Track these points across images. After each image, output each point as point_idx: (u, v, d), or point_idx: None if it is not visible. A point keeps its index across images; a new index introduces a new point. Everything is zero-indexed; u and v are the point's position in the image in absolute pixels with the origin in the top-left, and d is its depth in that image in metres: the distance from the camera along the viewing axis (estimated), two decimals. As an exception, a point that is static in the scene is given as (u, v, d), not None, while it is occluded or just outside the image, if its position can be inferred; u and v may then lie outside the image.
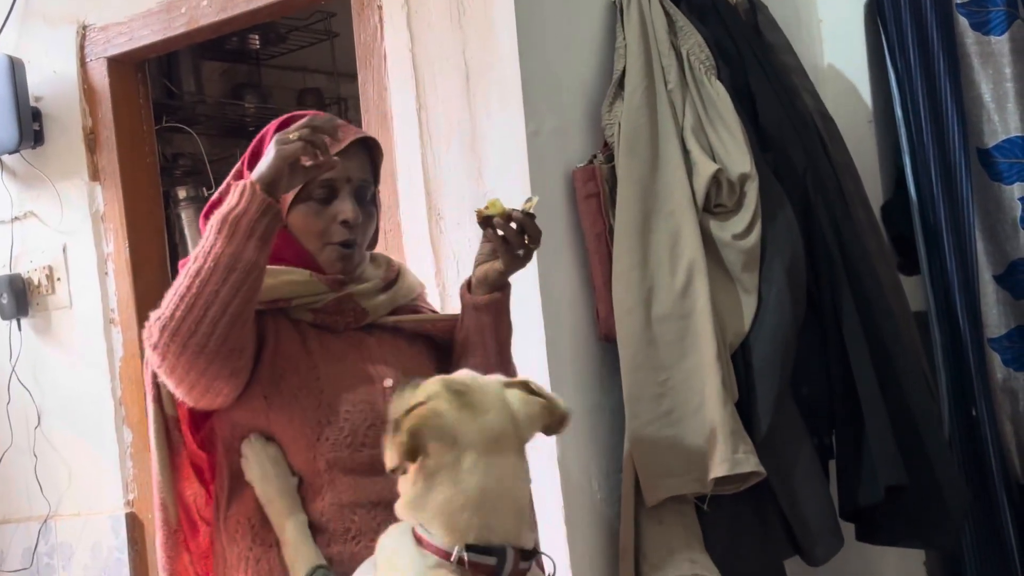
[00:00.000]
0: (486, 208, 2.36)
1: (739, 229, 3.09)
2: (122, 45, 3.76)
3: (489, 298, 2.44)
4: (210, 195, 2.52)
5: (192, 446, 2.40)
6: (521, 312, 2.97)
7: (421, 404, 2.03)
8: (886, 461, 3.16)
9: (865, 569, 3.70)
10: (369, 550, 2.25)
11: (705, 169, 3.07)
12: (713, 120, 3.14)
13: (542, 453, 2.95)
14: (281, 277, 2.36)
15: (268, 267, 2.29)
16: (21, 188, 3.96)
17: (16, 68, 3.83)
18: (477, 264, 2.44)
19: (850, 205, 3.39)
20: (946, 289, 3.63)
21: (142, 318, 3.63)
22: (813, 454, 3.18)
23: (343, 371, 2.36)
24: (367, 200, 2.42)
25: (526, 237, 2.37)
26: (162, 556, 2.42)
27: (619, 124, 3.09)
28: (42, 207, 3.92)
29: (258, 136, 2.42)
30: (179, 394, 2.30)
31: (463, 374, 2.14)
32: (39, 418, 3.89)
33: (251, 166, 2.36)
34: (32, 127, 3.86)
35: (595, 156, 3.11)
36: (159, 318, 2.24)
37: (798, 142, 3.30)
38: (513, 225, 2.36)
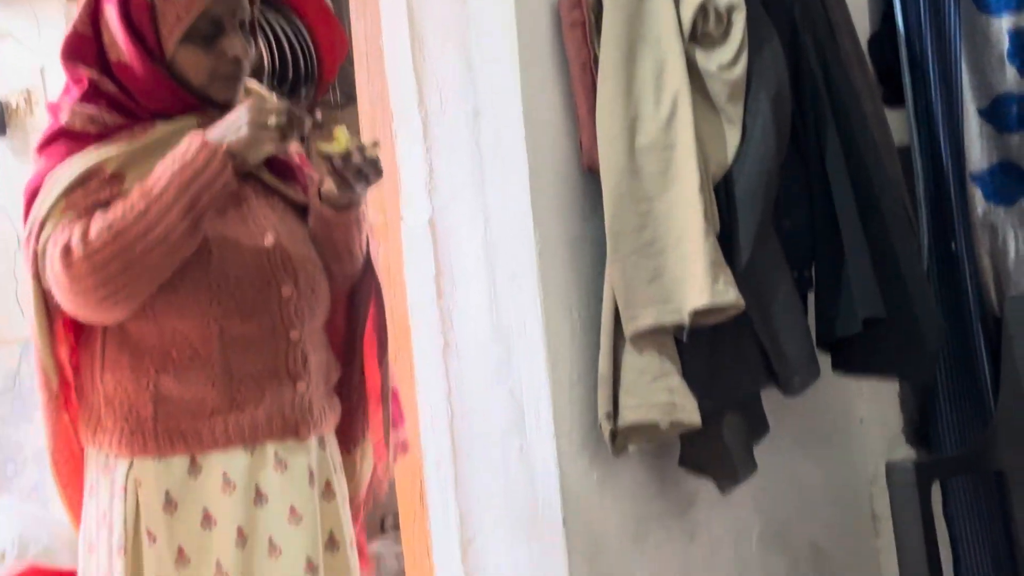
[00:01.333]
0: (329, 145, 2.36)
1: (725, 59, 3.06)
2: None
3: (332, 214, 2.43)
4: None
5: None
6: (505, 142, 2.97)
7: None
8: (864, 293, 3.19)
9: (840, 399, 3.76)
10: (252, 419, 2.29)
11: (692, -3, 3.03)
12: (701, -53, 3.09)
13: (524, 282, 2.97)
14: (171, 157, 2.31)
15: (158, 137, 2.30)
16: (-4, 8, 3.90)
17: None
18: (322, 181, 2.44)
19: (837, 36, 3.35)
20: (930, 122, 3.61)
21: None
22: (792, 286, 3.21)
23: (226, 228, 2.33)
24: (247, 33, 2.40)
25: (366, 175, 2.38)
26: (44, 417, 2.42)
27: (606, -50, 3.04)
28: (19, 28, 3.86)
29: None
30: (66, 307, 2.28)
31: None
32: (18, 241, 3.88)
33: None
34: (6, -55, 3.79)
35: (581, -17, 3.07)
36: (87, 247, 2.21)
37: (786, -29, 3.25)
38: (355, 161, 2.35)
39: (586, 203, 3.06)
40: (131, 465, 2.31)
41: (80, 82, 2.36)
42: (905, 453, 3.71)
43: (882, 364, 3.36)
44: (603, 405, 2.96)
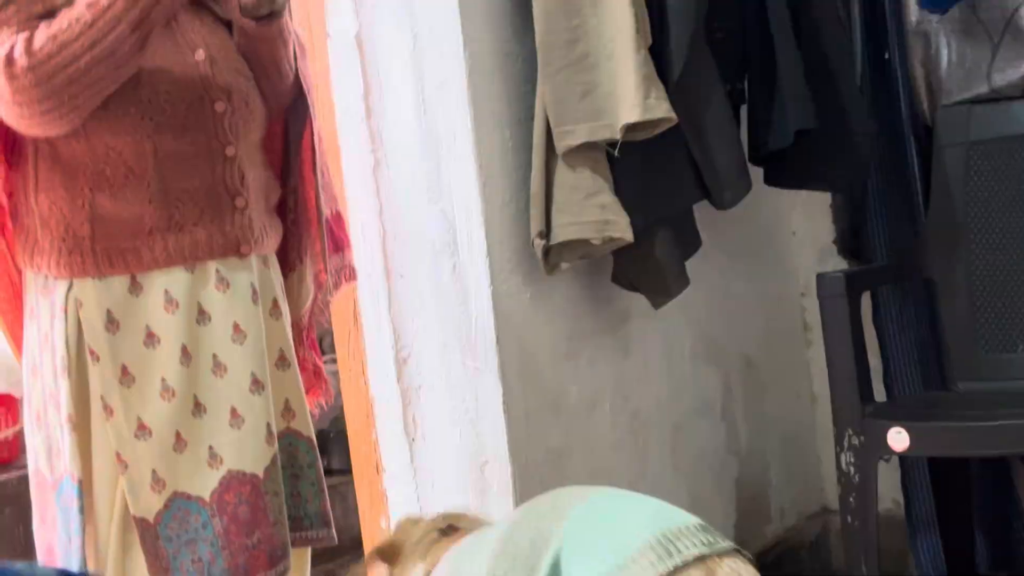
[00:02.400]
0: None
1: None
2: None
3: (252, 26, 2.36)
4: None
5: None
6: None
7: None
8: (797, 104, 3.18)
9: (772, 213, 3.77)
10: (192, 236, 2.27)
11: None
12: None
13: (454, 99, 2.93)
14: None
15: None
16: None
17: None
18: None
19: None
20: (865, -71, 3.57)
21: None
22: (724, 99, 3.18)
23: (158, 43, 2.27)
24: None
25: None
26: None
27: None
28: None
29: None
30: (8, 119, 2.22)
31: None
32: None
33: None
34: None
35: None
36: (31, 58, 2.14)
37: None
38: None
39: (517, 18, 3.00)
40: (71, 286, 2.28)
41: None
42: (836, 265, 3.75)
43: (814, 176, 3.37)
44: (535, 223, 2.95)
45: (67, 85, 2.16)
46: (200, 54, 2.31)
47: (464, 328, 2.96)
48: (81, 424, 2.29)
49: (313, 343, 2.65)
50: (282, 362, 2.43)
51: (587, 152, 2.94)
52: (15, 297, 2.40)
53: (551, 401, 3.03)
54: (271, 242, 2.45)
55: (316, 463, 2.50)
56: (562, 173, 2.94)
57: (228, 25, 2.40)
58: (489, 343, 2.94)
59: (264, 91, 2.42)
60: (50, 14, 2.19)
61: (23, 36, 2.16)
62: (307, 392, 2.57)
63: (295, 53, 2.47)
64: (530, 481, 2.95)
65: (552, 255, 2.96)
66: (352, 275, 2.66)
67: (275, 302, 2.43)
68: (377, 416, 2.99)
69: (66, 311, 2.28)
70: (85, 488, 2.28)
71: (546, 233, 2.94)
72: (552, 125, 2.93)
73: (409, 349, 3.04)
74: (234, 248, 2.35)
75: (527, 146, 2.97)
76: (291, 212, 2.53)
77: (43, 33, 2.16)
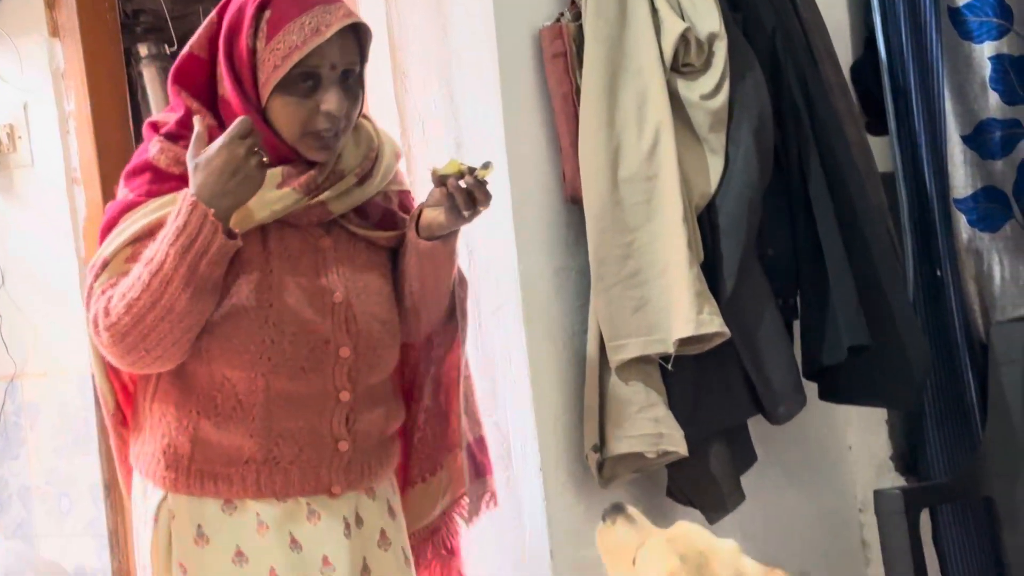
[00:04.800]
0: (444, 168, 2.31)
1: (707, 89, 3.05)
2: (80, -102, 3.68)
3: (431, 246, 2.37)
4: (173, 53, 2.47)
5: None
6: (490, 177, 2.96)
7: None
8: (850, 321, 3.18)
9: (828, 428, 3.74)
10: (285, 474, 2.28)
11: (673, 27, 3.03)
12: (681, -23, 3.10)
13: (508, 314, 2.96)
14: (263, 211, 2.28)
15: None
16: (-21, 45, 3.89)
17: (-30, -79, 3.75)
18: (426, 205, 2.38)
19: (819, 64, 3.35)
20: (913, 149, 3.62)
21: (105, 176, 3.62)
22: (777, 314, 3.20)
23: (296, 281, 2.30)
24: (351, 84, 2.31)
25: (475, 200, 2.32)
26: (110, 438, 2.45)
27: (586, -18, 3.04)
28: (1, 64, 3.85)
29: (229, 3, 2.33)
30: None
31: (692, 536, 2.06)
32: (3, 278, 3.87)
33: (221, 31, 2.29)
34: (-12, -18, 3.79)
35: (562, 14, 3.07)
36: (106, 320, 2.23)
37: (767, 1, 3.25)
38: (463, 185, 2.30)
39: (570, 234, 3.06)
40: (164, 497, 2.31)
41: (176, 110, 2.32)
42: (893, 481, 3.70)
43: (869, 392, 3.35)
44: (589, 437, 2.95)
45: (141, 340, 2.22)
46: (338, 296, 2.33)
47: (518, 542, 2.94)
48: None
49: (456, 551, 2.64)
50: None
51: (640, 366, 2.96)
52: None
53: (605, 617, 2.98)
54: (378, 475, 2.44)
55: None
56: (616, 386, 2.95)
57: (386, 253, 2.42)
58: (543, 558, 2.92)
59: (419, 313, 2.43)
60: None
61: (106, 298, 2.24)
62: None
63: (457, 275, 2.49)
64: None
65: (606, 468, 2.96)
66: (494, 501, 2.63)
67: (383, 533, 2.42)
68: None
69: (157, 520, 2.31)
70: None
71: (600, 446, 2.94)
72: (605, 339, 2.95)
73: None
74: (326, 489, 2.36)
75: (580, 359, 2.99)
76: (419, 430, 2.54)
77: (118, 292, 2.23)
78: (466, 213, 2.31)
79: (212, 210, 2.17)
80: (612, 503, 2.13)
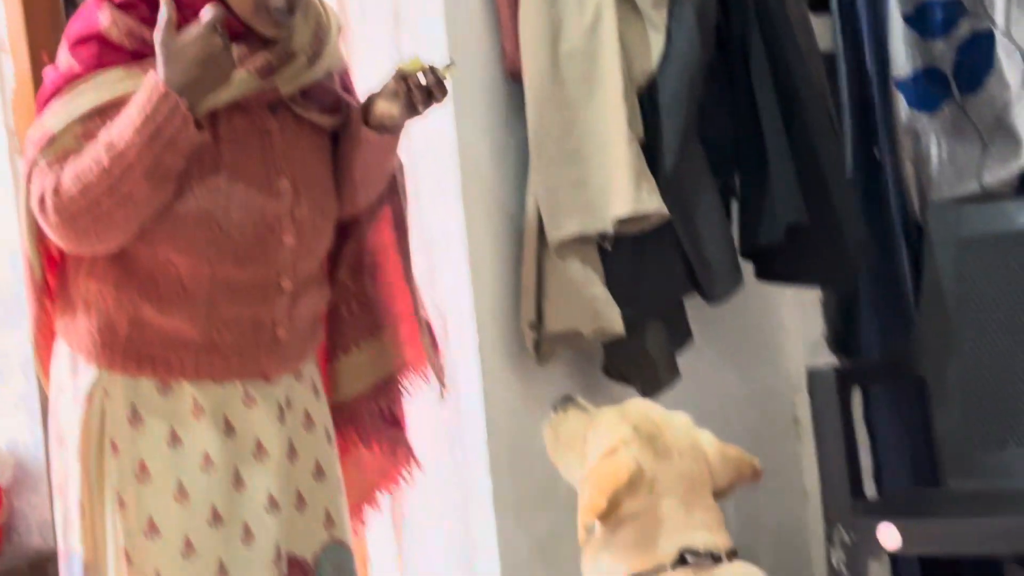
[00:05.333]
0: (407, 65, 2.31)
1: (650, -36, 3.02)
2: None
3: (380, 138, 2.35)
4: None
5: None
6: (425, 46, 2.92)
7: (611, 452, 1.93)
8: (787, 200, 3.19)
9: (763, 307, 3.77)
10: (224, 359, 2.26)
11: (616, -101, 2.98)
12: None
13: (446, 191, 2.94)
14: (218, 97, 2.22)
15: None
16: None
17: None
18: (380, 97, 2.35)
19: (762, -59, 3.32)
20: (855, 29, 3.61)
21: (33, 45, 3.52)
22: (716, 194, 3.20)
23: (244, 166, 2.27)
24: None
25: (433, 97, 2.32)
26: (29, 307, 2.40)
27: None
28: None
29: None
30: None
31: (644, 409, 2.04)
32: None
33: None
34: None
35: None
36: (57, 200, 2.17)
37: None
38: (424, 82, 2.30)
39: (510, 111, 3.03)
40: (99, 375, 2.28)
41: None
42: (827, 360, 3.74)
43: (805, 272, 3.37)
44: (527, 314, 2.95)
45: (92, 224, 2.18)
46: (284, 183, 2.30)
47: (454, 419, 2.95)
48: (92, 510, 2.28)
49: (401, 421, 2.63)
50: (319, 473, 2.42)
51: (579, 245, 2.95)
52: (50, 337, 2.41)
53: (541, 492, 3.01)
54: (308, 355, 2.45)
55: (354, 569, 2.48)
56: (554, 265, 2.95)
57: (326, 131, 2.39)
58: (479, 435, 2.93)
59: (358, 199, 2.43)
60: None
61: (54, 176, 2.18)
62: (392, 477, 2.60)
63: (397, 165, 2.49)
64: (519, 573, 2.93)
65: (543, 346, 2.96)
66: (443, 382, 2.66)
67: (307, 414, 2.42)
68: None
69: (90, 399, 2.28)
70: (91, 571, 2.27)
71: (537, 324, 2.94)
72: (544, 217, 2.94)
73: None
74: (262, 373, 2.35)
75: (519, 238, 2.98)
76: (344, 305, 2.53)
77: (69, 173, 2.17)
78: (421, 108, 2.32)
79: (184, 101, 2.13)
80: (562, 394, 2.13)
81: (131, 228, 2.20)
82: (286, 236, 2.30)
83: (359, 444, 2.58)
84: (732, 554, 1.98)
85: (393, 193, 2.52)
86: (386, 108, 2.34)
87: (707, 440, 2.06)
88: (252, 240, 2.27)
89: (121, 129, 2.15)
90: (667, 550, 1.92)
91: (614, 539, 1.95)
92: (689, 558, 1.92)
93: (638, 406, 2.05)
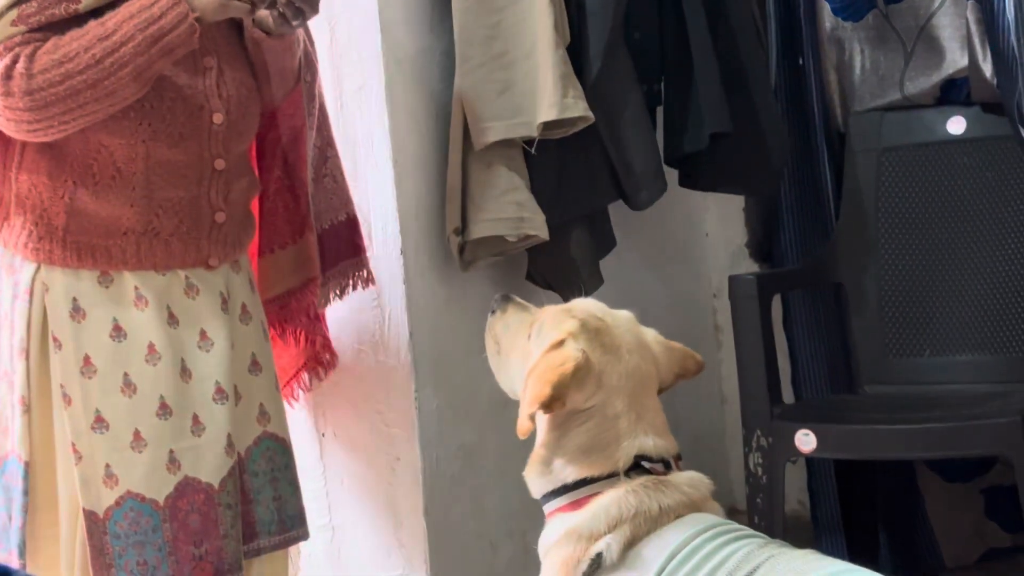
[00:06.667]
0: None
1: None
2: None
3: (266, 38, 2.36)
4: None
5: None
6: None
7: (557, 345, 1.91)
8: (712, 108, 3.20)
9: (686, 214, 3.79)
10: (166, 246, 2.26)
11: None
12: None
13: (370, 93, 2.91)
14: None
15: None
16: None
17: None
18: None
19: None
20: (781, -65, 3.60)
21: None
22: (641, 100, 3.19)
23: None
24: None
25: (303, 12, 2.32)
26: None
27: None
28: None
29: None
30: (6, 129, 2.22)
31: (589, 306, 2.01)
32: None
33: None
34: None
35: None
36: (30, 81, 2.12)
37: None
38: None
39: (435, 13, 2.99)
40: (38, 269, 2.27)
41: None
42: (748, 267, 3.77)
43: (728, 179, 3.39)
44: (451, 219, 2.94)
45: (61, 113, 2.15)
46: (209, 61, 2.30)
47: (377, 323, 2.94)
48: (35, 407, 2.27)
49: (320, 316, 2.68)
50: (254, 367, 2.43)
51: (504, 149, 2.94)
52: None
53: (463, 399, 3.02)
54: (245, 245, 2.46)
55: (291, 463, 2.51)
56: (478, 170, 2.94)
57: (240, 25, 2.38)
58: (402, 339, 2.93)
59: (263, 96, 2.43)
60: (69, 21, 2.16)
61: (27, 51, 2.13)
62: (312, 364, 2.65)
63: (301, 64, 2.47)
64: (440, 478, 2.94)
65: (467, 252, 2.96)
66: (372, 280, 2.74)
67: (244, 307, 2.43)
68: (287, 411, 2.97)
69: (31, 294, 2.26)
70: (32, 471, 2.26)
71: (461, 229, 2.93)
72: (469, 121, 2.92)
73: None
74: (204, 261, 2.35)
75: (444, 142, 2.96)
76: (268, 201, 2.55)
77: (49, 55, 2.13)
78: (295, 23, 2.31)
79: (196, 13, 2.15)
80: (500, 294, 2.12)
81: (94, 121, 2.18)
82: (216, 115, 2.30)
83: (280, 336, 2.62)
84: (677, 458, 1.99)
85: (308, 99, 2.52)
86: (265, 14, 2.34)
87: (652, 337, 2.07)
88: (183, 118, 2.27)
89: (121, 24, 2.13)
90: (620, 456, 1.92)
91: (565, 441, 1.94)
92: (645, 464, 1.92)
93: (584, 304, 2.05)
